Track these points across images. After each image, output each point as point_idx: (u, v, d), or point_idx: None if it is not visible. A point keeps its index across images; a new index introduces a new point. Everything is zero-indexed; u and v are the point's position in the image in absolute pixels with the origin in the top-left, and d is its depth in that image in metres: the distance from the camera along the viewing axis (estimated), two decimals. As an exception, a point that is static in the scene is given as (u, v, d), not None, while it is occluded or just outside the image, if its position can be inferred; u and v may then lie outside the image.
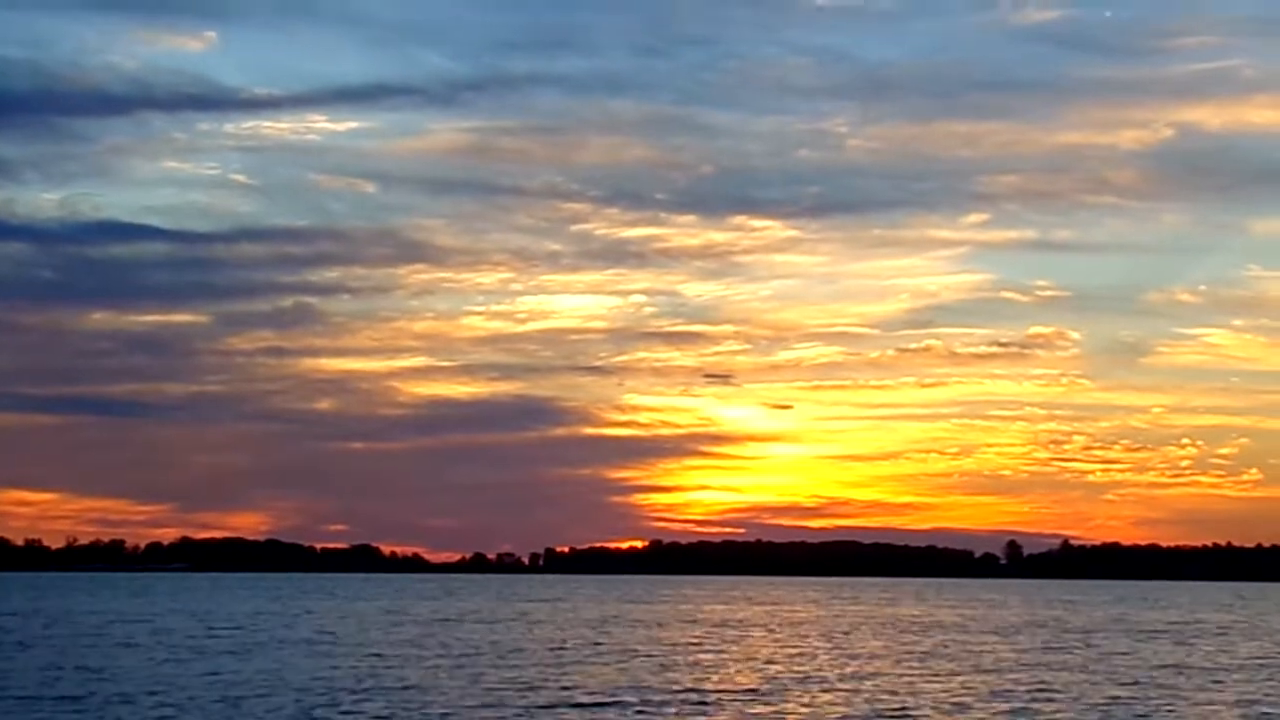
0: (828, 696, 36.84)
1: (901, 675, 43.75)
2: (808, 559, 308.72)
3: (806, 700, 36.02)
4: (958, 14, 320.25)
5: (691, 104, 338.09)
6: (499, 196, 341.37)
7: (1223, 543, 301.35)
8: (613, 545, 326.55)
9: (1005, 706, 35.15)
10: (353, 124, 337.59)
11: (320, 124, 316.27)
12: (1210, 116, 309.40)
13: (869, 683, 41.03)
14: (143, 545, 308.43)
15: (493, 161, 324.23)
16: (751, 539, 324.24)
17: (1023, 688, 40.17)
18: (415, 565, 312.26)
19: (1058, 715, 33.39)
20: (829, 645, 59.69)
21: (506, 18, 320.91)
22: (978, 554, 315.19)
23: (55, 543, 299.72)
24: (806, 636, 66.42)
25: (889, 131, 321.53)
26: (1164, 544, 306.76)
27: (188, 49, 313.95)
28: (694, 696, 36.13)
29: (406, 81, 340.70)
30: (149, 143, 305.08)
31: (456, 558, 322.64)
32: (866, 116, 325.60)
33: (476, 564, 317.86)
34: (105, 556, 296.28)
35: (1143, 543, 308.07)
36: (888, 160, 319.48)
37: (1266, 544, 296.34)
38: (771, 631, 72.71)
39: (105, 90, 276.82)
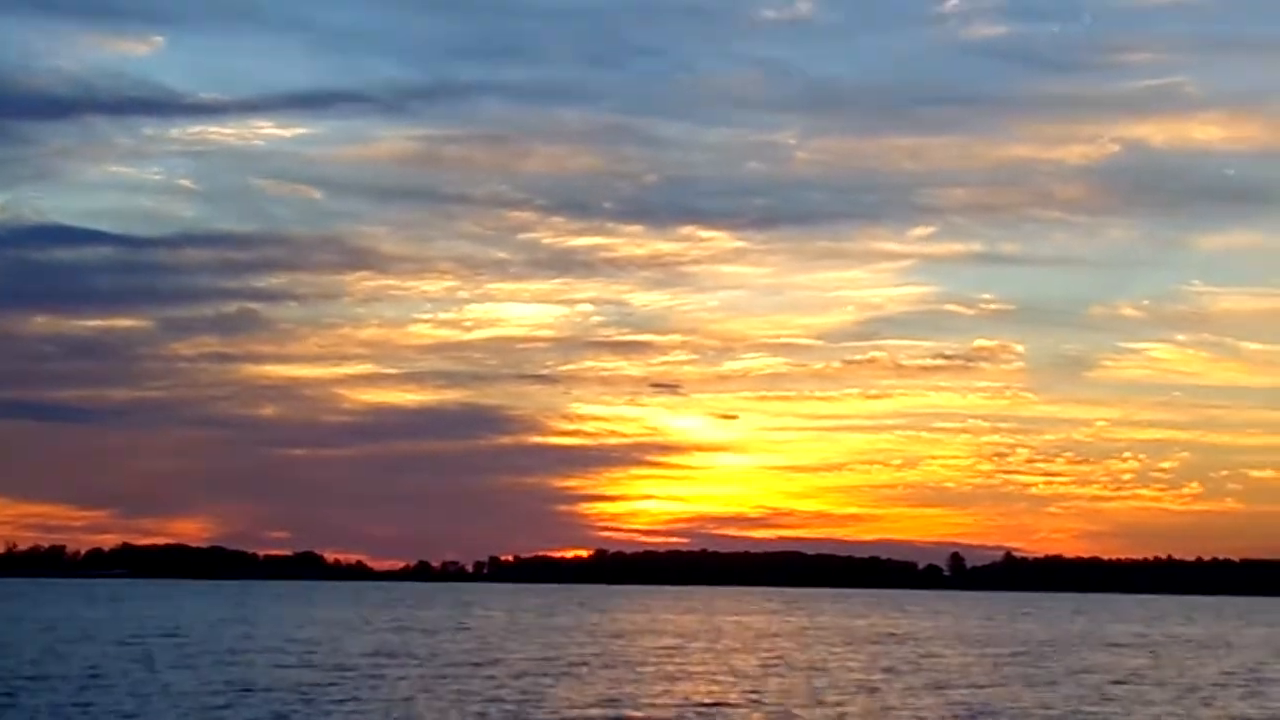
0: (815, 713, 35.53)
1: (878, 690, 42.73)
2: (752, 569, 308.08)
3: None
4: (906, 28, 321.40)
5: (639, 114, 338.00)
6: (445, 204, 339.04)
7: (1164, 556, 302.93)
8: (558, 554, 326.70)
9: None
10: (299, 130, 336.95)
11: (266, 130, 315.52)
12: (1155, 133, 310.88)
13: (853, 699, 39.72)
14: (83, 551, 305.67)
15: (439, 169, 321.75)
16: (697, 549, 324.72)
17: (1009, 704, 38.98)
18: (358, 573, 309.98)
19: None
20: (801, 659, 58.45)
21: (454, 26, 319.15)
22: (921, 565, 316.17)
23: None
24: (775, 650, 65.25)
25: (836, 144, 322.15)
26: (1106, 556, 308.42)
27: (134, 53, 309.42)
28: (680, 713, 35.02)
29: (353, 88, 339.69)
30: (93, 146, 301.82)
31: (400, 565, 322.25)
32: (814, 129, 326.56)
33: (420, 572, 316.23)
34: (45, 563, 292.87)
35: (1085, 555, 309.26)
36: (834, 173, 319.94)
37: (1206, 557, 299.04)
38: (736, 642, 71.68)
39: (50, 93, 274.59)
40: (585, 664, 51.41)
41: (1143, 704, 40.11)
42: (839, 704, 37.77)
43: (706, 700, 38.10)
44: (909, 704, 38.14)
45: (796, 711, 35.78)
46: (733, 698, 39.49)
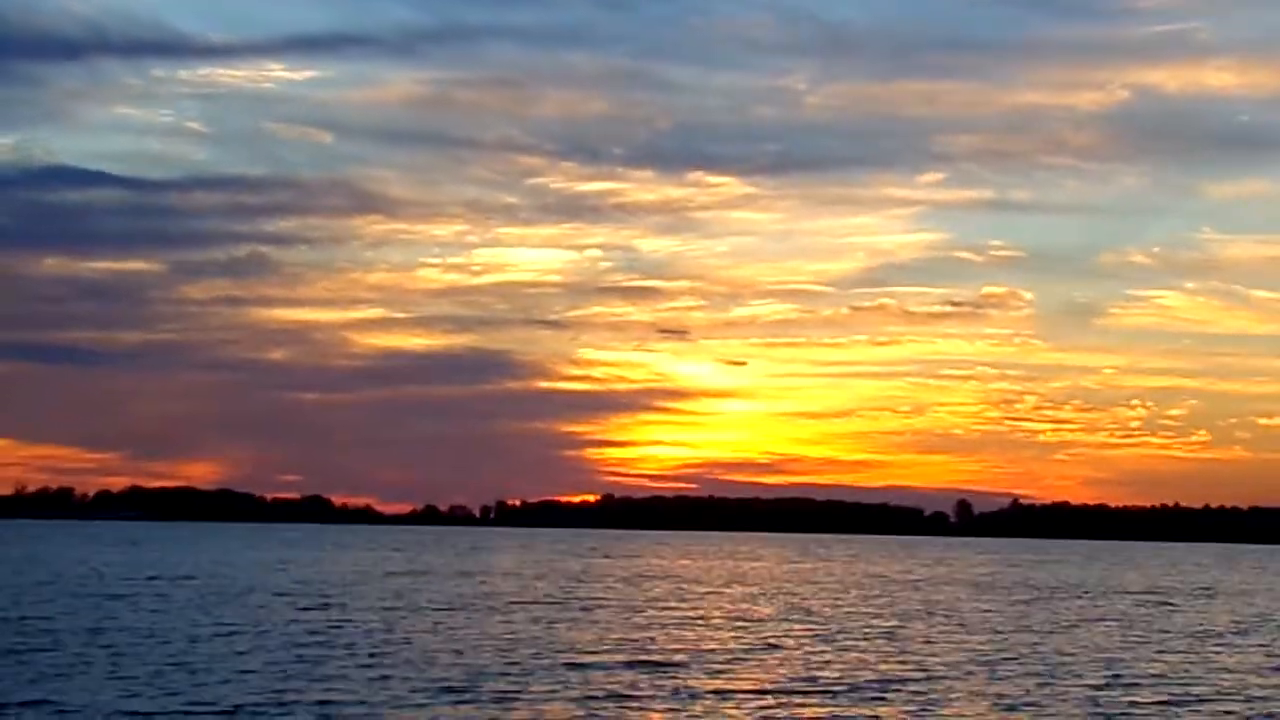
0: (847, 656, 35.36)
1: (909, 635, 42.18)
2: (760, 515, 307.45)
3: (826, 658, 34.88)
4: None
5: (650, 59, 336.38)
6: (455, 148, 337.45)
7: (1170, 503, 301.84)
8: (564, 499, 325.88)
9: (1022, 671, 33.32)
10: (309, 73, 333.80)
11: (277, 72, 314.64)
12: (1167, 79, 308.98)
13: (874, 643, 39.19)
14: (92, 493, 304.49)
15: (449, 113, 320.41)
16: (704, 495, 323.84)
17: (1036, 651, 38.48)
18: (366, 517, 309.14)
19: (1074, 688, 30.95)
20: (815, 605, 57.73)
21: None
22: (928, 512, 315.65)
23: (3, 489, 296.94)
24: (802, 596, 64.17)
25: (848, 90, 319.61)
26: (1113, 504, 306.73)
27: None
28: (712, 658, 34.55)
29: (364, 31, 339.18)
30: (103, 88, 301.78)
31: (408, 509, 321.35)
32: (826, 74, 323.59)
33: (428, 516, 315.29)
34: (54, 504, 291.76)
35: (1092, 503, 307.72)
36: (846, 118, 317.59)
37: (1214, 505, 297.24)
38: (758, 589, 70.63)
39: (60, 34, 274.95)
40: (600, 607, 51.20)
41: (1159, 649, 39.80)
42: (859, 650, 37.27)
43: (727, 646, 37.63)
44: (930, 650, 37.77)
45: (816, 657, 35.36)
46: (752, 642, 39.10)
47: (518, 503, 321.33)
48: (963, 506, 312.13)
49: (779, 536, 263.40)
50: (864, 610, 53.64)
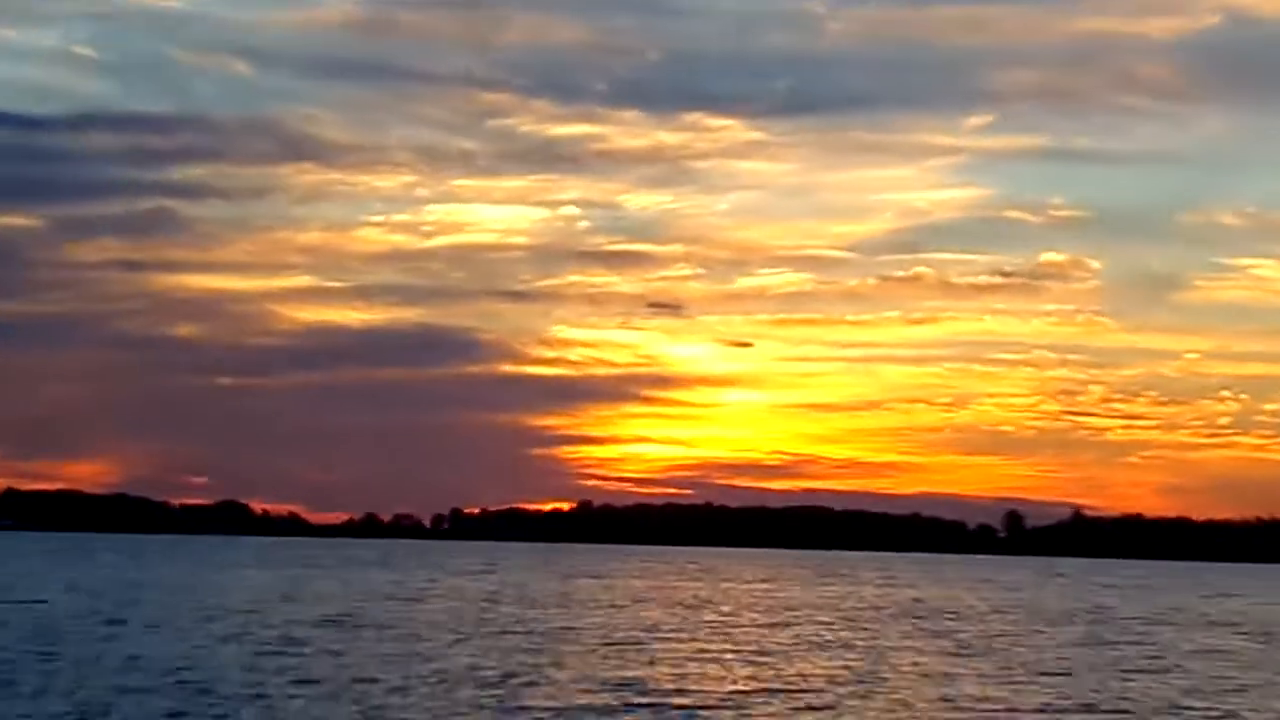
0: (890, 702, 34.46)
1: (948, 677, 41.14)
2: (768, 527, 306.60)
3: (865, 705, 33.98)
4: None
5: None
6: (402, 83, 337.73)
7: (1266, 516, 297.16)
8: (533, 507, 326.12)
9: None
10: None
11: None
12: (1264, 0, 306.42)
13: (928, 688, 37.91)
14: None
15: (395, 40, 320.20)
16: (700, 502, 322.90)
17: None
18: (292, 527, 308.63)
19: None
20: (842, 637, 56.88)
21: None
22: (972, 525, 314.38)
23: None
24: (808, 626, 63.32)
25: (875, 14, 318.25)
26: (1195, 517, 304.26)
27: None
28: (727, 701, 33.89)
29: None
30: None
31: (343, 518, 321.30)
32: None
33: (367, 527, 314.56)
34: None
35: (1170, 515, 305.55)
36: (873, 49, 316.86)
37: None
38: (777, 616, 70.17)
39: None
40: (579, 642, 50.04)
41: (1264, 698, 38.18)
42: (902, 695, 35.98)
43: (739, 688, 36.60)
44: (989, 696, 36.37)
45: (850, 703, 34.14)
46: (769, 683, 38.03)
47: (476, 511, 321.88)
48: (1013, 518, 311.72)
49: (791, 553, 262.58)
50: (909, 645, 52.83)
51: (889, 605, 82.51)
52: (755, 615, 70.10)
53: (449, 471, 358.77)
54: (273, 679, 34.77)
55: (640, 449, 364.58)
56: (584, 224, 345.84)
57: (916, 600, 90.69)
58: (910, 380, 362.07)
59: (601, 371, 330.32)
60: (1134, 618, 77.56)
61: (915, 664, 45.02)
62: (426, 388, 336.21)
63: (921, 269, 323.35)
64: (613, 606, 72.88)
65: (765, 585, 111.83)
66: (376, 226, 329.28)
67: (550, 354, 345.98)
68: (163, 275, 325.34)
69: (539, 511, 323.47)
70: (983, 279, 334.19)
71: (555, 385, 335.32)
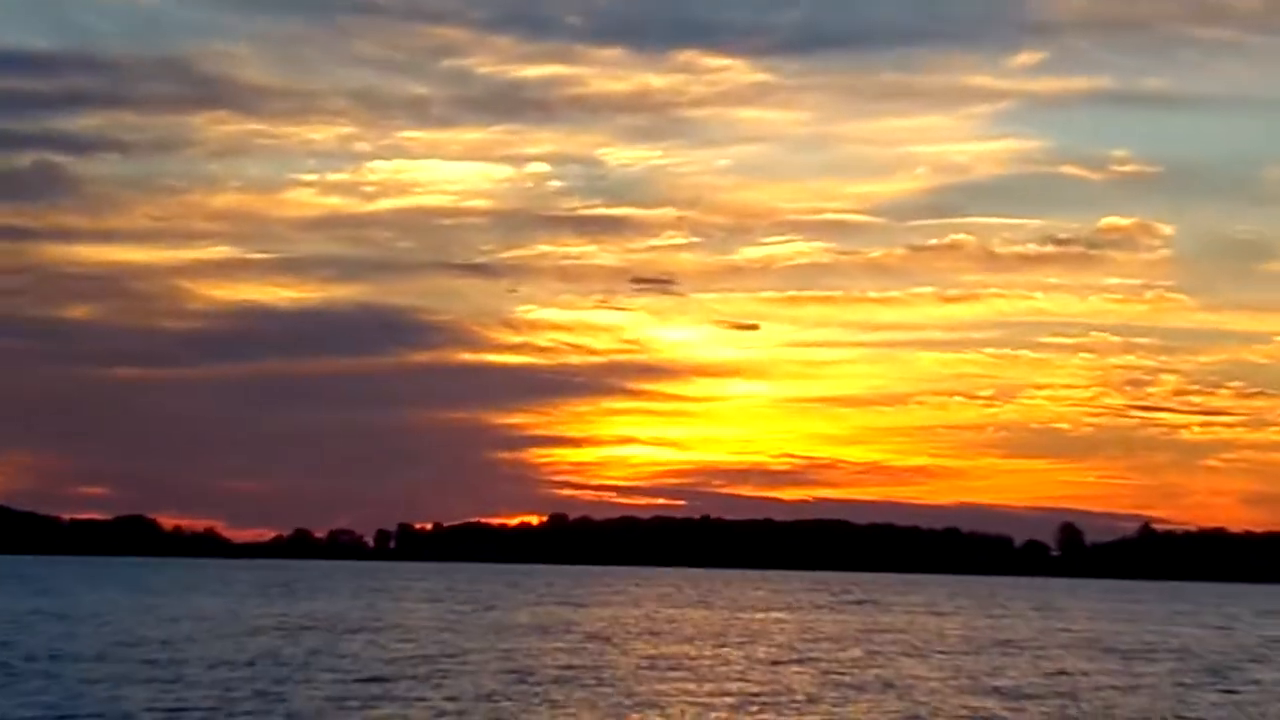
0: None
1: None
2: (774, 544, 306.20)
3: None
4: None
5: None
6: (337, 14, 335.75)
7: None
8: (497, 521, 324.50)
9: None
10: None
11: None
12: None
13: None
14: None
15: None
16: (696, 514, 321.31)
17: None
18: (209, 546, 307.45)
19: None
20: (880, 675, 56.20)
21: None
22: (1019, 541, 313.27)
23: None
24: (836, 662, 62.78)
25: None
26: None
27: None
28: None
29: None
30: None
31: (269, 536, 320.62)
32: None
33: (298, 545, 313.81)
34: None
35: (1257, 529, 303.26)
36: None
37: None
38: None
39: None
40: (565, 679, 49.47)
41: None
42: None
43: None
44: None
45: None
46: None
47: (429, 527, 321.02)
48: (1069, 533, 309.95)
49: (802, 575, 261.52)
50: (967, 685, 51.56)
51: (932, 635, 79.93)
52: (798, 663, 65.88)
53: (396, 480, 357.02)
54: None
55: (624, 451, 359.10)
56: (556, 184, 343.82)
57: (961, 635, 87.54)
58: (946, 369, 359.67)
59: (578, 360, 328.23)
60: (1242, 653, 74.50)
61: (964, 710, 43.81)
62: (369, 380, 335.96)
63: (959, 236, 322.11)
64: (597, 640, 69.82)
65: (783, 615, 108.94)
66: (308, 187, 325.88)
67: (516, 339, 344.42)
68: (49, 245, 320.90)
69: (504, 527, 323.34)
70: (1032, 248, 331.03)
71: (523, 376, 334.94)
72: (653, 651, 65.96)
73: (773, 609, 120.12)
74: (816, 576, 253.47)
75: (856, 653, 68.62)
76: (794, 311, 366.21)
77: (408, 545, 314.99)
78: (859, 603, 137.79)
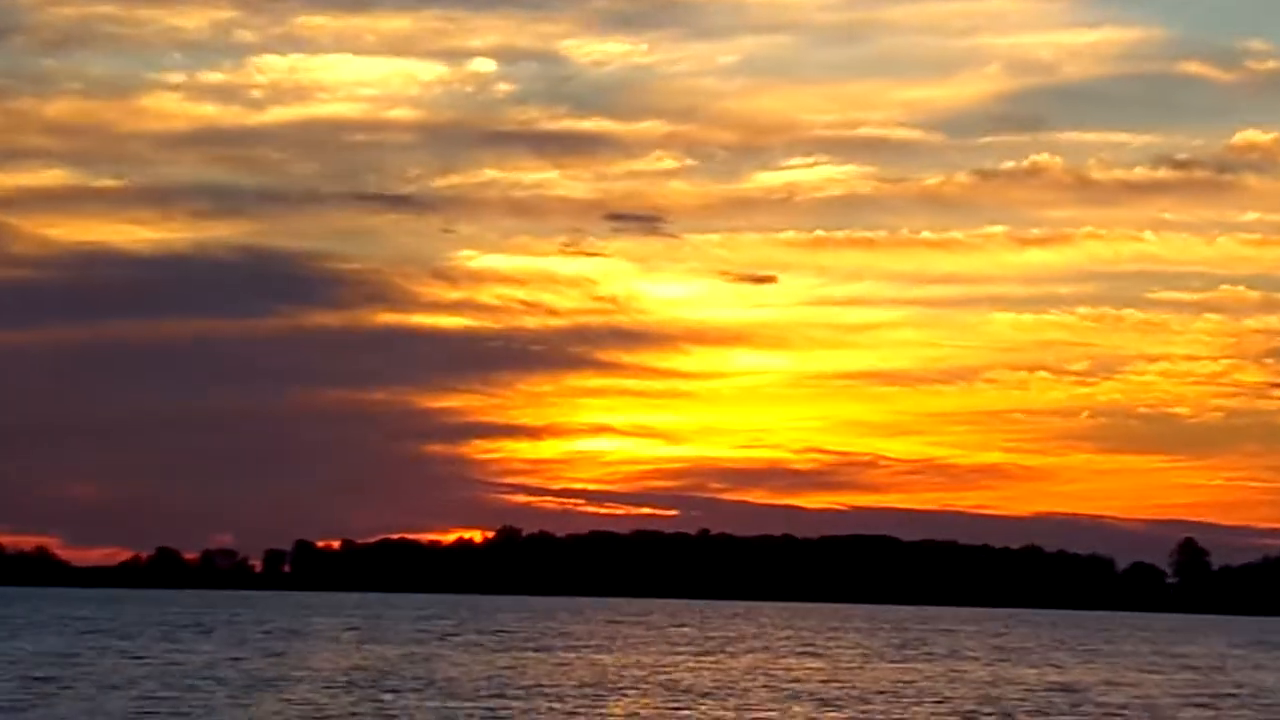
0: None
1: None
2: (794, 565, 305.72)
3: None
4: None
5: None
6: None
7: None
8: (428, 537, 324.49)
9: None
10: None
11: None
12: None
13: None
14: None
15: None
16: (691, 528, 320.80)
17: None
18: (40, 569, 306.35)
19: None
20: None
21: None
22: (1123, 564, 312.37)
23: None
24: None
25: None
26: None
27: None
28: None
29: None
30: None
31: (123, 556, 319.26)
32: None
33: (160, 567, 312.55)
34: None
35: None
36: None
37: None
38: None
39: None
40: None
41: None
42: None
43: None
44: None
45: None
46: None
47: (335, 545, 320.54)
48: (1189, 553, 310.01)
49: (834, 609, 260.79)
50: None
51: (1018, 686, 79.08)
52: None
53: (292, 484, 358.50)
54: None
55: (597, 445, 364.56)
56: (505, 87, 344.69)
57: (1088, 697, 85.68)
58: (1024, 335, 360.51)
59: (534, 323, 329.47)
60: None
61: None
62: (255, 350, 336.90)
63: (1042, 157, 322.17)
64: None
65: (819, 665, 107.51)
66: (173, 91, 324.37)
67: (453, 295, 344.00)
68: None
69: (436, 544, 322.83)
70: (1140, 173, 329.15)
71: (462, 345, 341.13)
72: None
73: (804, 652, 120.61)
74: (852, 611, 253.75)
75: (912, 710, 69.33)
76: (822, 258, 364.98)
77: (308, 569, 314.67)
78: (917, 646, 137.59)
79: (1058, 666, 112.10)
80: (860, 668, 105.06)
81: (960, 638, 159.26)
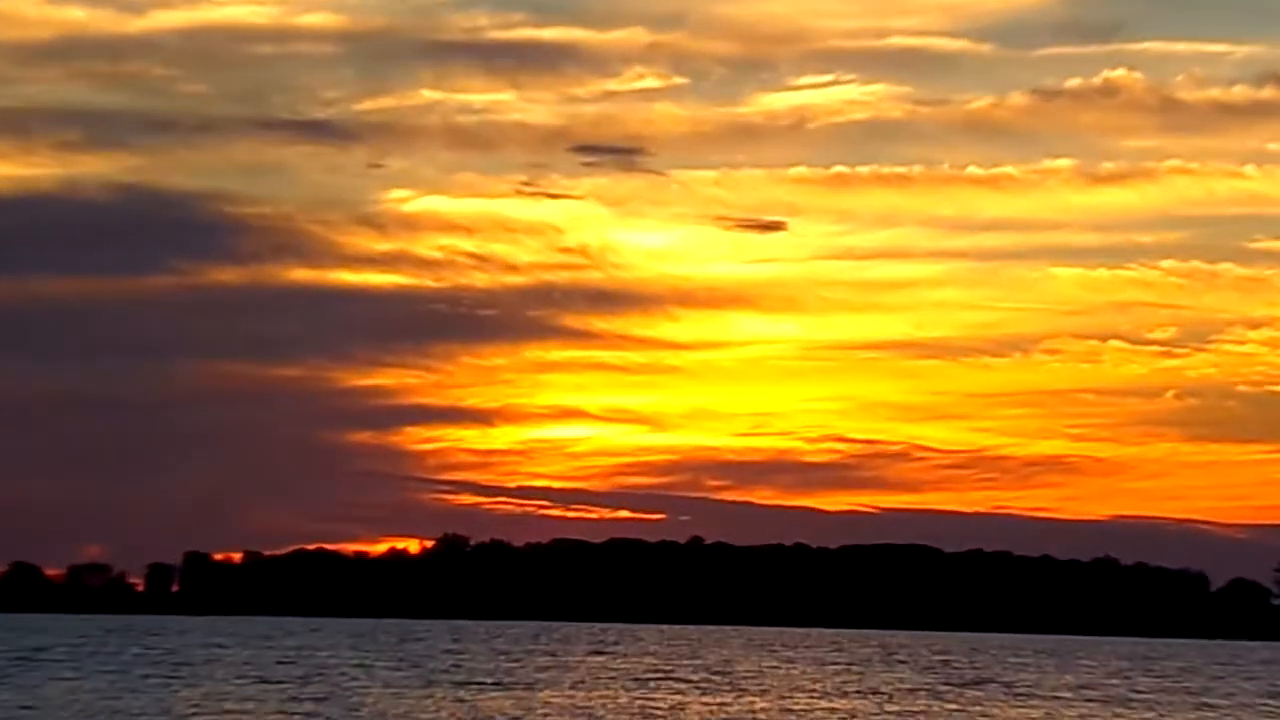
0: None
1: None
2: (810, 582, 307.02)
3: None
4: None
5: None
6: None
7: None
8: (352, 548, 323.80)
9: None
10: None
11: None
12: None
13: None
14: None
15: None
16: (680, 535, 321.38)
17: None
18: None
19: None
20: None
21: None
22: (1219, 580, 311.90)
23: None
24: None
25: None
26: None
27: None
28: None
29: None
30: None
31: None
32: None
33: (16, 586, 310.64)
34: None
35: None
36: None
37: None
38: None
39: None
40: None
41: None
42: None
43: None
44: None
45: None
46: None
47: (236, 557, 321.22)
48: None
49: (861, 635, 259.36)
50: None
51: None
52: None
53: (183, 484, 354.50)
54: None
55: (564, 433, 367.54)
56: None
57: None
58: (1095, 295, 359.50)
59: (485, 281, 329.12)
60: None
61: None
62: (133, 315, 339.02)
63: (1118, 73, 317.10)
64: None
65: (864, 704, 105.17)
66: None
67: (383, 246, 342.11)
68: None
69: (363, 556, 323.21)
70: (1240, 92, 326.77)
71: (395, 308, 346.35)
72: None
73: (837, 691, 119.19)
74: (883, 640, 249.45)
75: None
76: (842, 200, 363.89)
77: (201, 587, 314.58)
78: (980, 685, 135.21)
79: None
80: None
81: (1031, 673, 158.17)
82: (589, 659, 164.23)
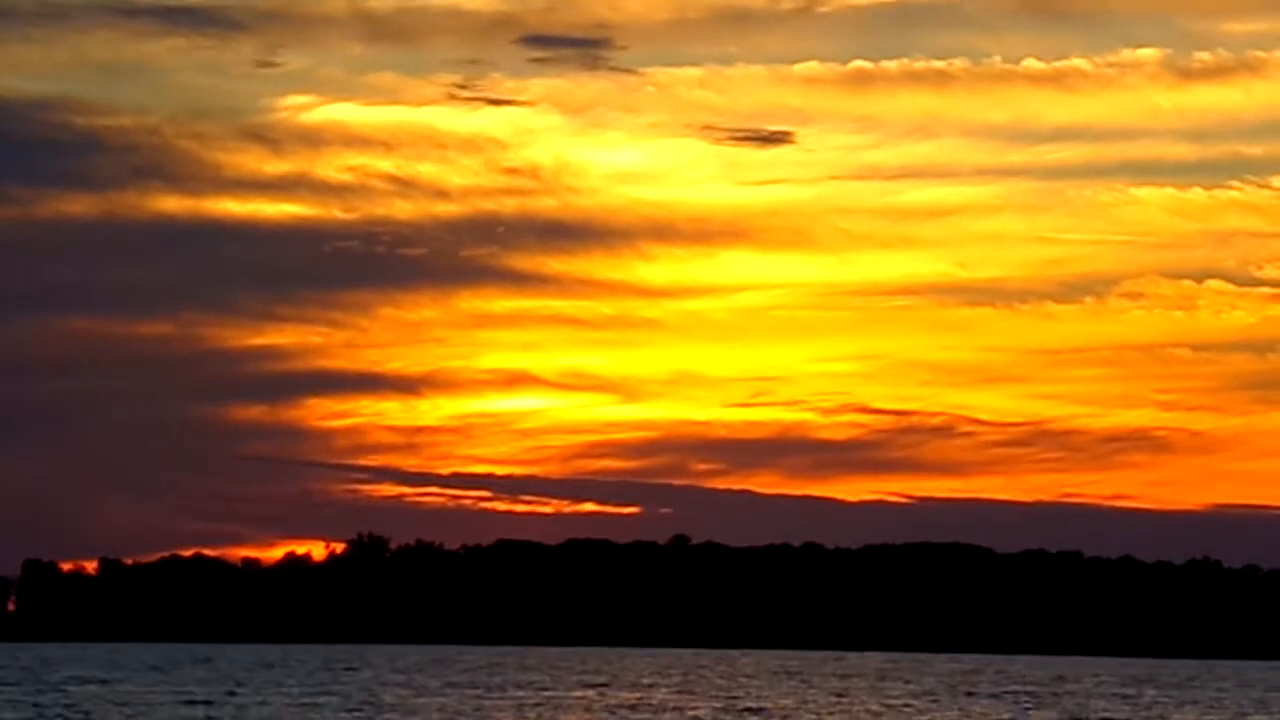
0: None
1: None
2: (826, 590, 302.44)
3: None
4: None
5: None
6: None
7: None
8: (240, 553, 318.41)
9: None
10: None
11: None
12: None
13: None
14: None
15: None
16: (660, 535, 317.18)
17: None
18: None
19: None
20: None
21: None
22: None
23: None
24: None
25: None
26: None
27: None
28: None
29: None
30: None
31: None
32: None
33: None
34: None
35: None
36: None
37: None
38: None
39: None
40: None
41: None
42: None
43: None
44: None
45: None
46: None
47: (91, 567, 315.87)
48: None
49: (889, 660, 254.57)
50: None
51: None
52: None
53: (21, 472, 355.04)
54: None
55: (509, 404, 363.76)
56: None
57: None
58: (1187, 223, 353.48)
59: (406, 209, 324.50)
60: None
61: None
62: None
63: None
64: None
65: None
66: None
67: (276, 166, 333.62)
68: None
69: (255, 564, 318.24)
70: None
71: (293, 246, 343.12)
72: None
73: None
74: (919, 665, 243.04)
75: None
76: (864, 104, 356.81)
77: (47, 604, 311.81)
78: None
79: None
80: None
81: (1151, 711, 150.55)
82: (541, 697, 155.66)
